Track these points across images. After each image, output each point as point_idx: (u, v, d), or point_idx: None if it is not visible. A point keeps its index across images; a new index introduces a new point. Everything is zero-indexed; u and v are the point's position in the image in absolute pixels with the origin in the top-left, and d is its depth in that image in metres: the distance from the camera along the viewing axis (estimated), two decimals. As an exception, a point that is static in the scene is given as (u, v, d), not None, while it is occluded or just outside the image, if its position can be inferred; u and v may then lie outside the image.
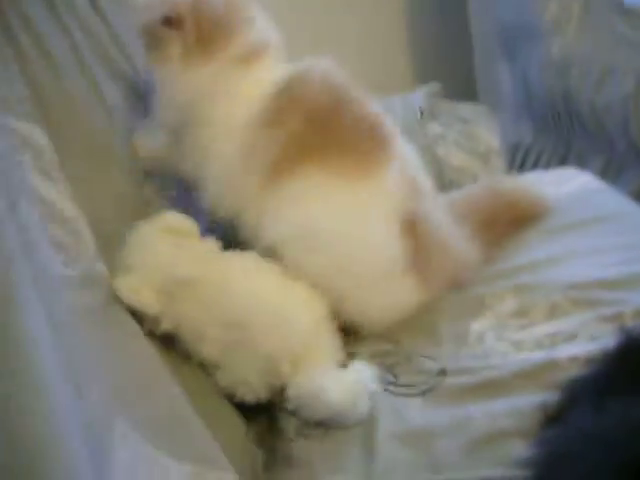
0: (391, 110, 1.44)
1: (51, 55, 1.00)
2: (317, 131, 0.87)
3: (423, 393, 0.81)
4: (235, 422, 0.84)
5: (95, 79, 1.08)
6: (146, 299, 0.81)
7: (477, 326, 0.90)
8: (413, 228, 0.88)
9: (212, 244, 0.89)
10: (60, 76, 1.00)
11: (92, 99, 1.06)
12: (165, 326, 0.83)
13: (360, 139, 0.87)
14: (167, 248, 0.85)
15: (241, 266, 0.88)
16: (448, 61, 2.10)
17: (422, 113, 1.45)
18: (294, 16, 1.96)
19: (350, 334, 0.91)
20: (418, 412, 0.78)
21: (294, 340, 0.83)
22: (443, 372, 0.82)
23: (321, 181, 0.85)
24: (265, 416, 0.87)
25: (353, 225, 0.87)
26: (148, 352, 0.76)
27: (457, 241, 0.95)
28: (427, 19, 2.16)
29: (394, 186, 0.87)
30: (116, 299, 0.79)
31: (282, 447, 0.79)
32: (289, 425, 0.81)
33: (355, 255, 0.87)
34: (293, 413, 0.81)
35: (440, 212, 0.95)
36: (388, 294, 0.89)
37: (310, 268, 0.86)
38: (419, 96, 1.51)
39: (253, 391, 0.83)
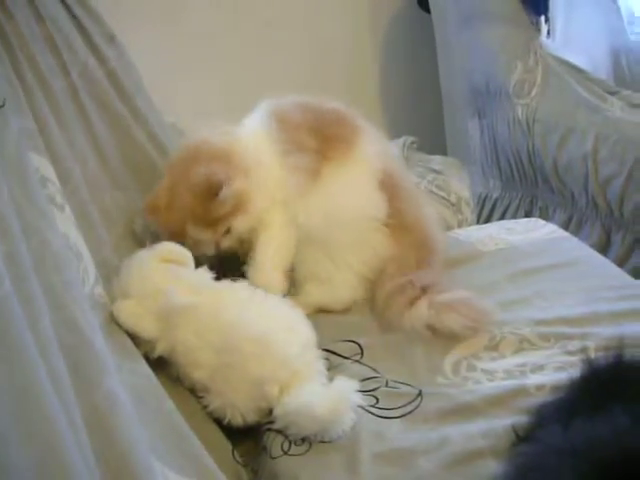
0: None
1: (52, 92, 1.06)
2: (317, 138, 1.06)
3: (403, 415, 0.85)
4: (221, 442, 0.88)
5: (90, 120, 1.14)
6: (144, 324, 0.85)
7: (451, 358, 0.96)
8: (386, 182, 1.09)
9: (205, 274, 0.94)
10: (60, 112, 1.06)
11: (87, 140, 1.12)
12: (160, 350, 0.87)
13: (339, 132, 1.09)
14: (164, 276, 0.89)
15: (232, 295, 0.93)
16: (419, 117, 2.21)
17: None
18: (275, 79, 2.07)
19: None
20: (399, 433, 0.83)
21: (281, 365, 0.87)
22: (420, 396, 0.88)
23: (329, 172, 1.05)
24: (249, 436, 0.91)
25: (351, 193, 1.07)
26: (146, 371, 0.80)
27: (426, 210, 1.17)
28: (398, 76, 2.27)
29: (369, 154, 1.09)
30: (114, 322, 0.84)
31: (267, 465, 0.83)
32: (273, 444, 0.85)
33: (354, 212, 1.07)
34: (280, 431, 0.85)
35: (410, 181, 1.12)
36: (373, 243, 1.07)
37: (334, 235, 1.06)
38: (394, 147, 1.59)
39: (241, 414, 0.87)
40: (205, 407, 0.89)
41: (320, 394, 0.84)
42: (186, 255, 0.94)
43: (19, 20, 1.05)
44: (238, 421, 0.87)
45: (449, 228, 1.45)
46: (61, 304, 0.67)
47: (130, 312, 0.85)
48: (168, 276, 0.90)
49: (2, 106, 0.75)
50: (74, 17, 1.17)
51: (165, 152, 1.21)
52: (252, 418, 0.88)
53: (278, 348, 0.88)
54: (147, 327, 0.85)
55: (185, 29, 1.92)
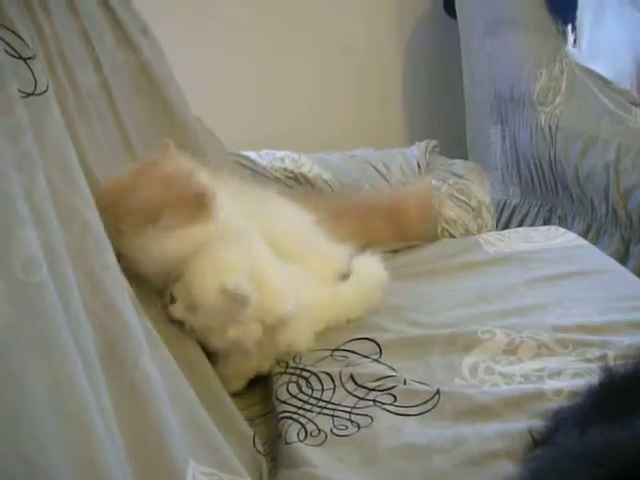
0: (392, 161, 1.54)
1: (79, 88, 1.07)
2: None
3: (420, 413, 0.86)
4: (243, 432, 0.89)
5: (119, 113, 1.15)
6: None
7: (469, 359, 0.97)
8: None
9: None
10: (85, 108, 1.07)
11: (117, 133, 1.14)
12: None
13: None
14: None
15: None
16: (440, 121, 2.22)
17: (419, 166, 1.54)
18: (297, 80, 2.09)
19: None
20: (415, 430, 0.84)
21: None
22: (438, 395, 0.88)
23: None
24: (269, 426, 0.92)
25: None
26: (167, 355, 0.81)
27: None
28: (421, 80, 2.28)
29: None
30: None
31: (283, 451, 0.84)
32: (289, 430, 0.86)
33: None
34: (296, 420, 0.87)
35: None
36: None
37: None
38: (416, 151, 1.60)
39: None
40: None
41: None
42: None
43: (55, 14, 1.06)
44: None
45: (469, 232, 1.45)
46: (100, 287, 0.68)
47: None
48: None
49: (45, 91, 0.77)
50: (108, 9, 1.19)
51: (194, 144, 1.23)
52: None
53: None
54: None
55: (207, 28, 1.95)
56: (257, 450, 0.88)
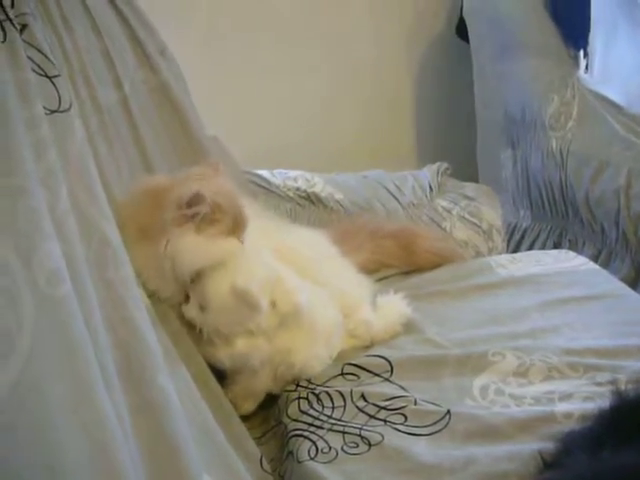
0: (404, 183, 1.55)
1: (101, 106, 1.09)
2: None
3: (430, 434, 0.87)
4: (251, 451, 0.90)
5: (139, 131, 1.17)
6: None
7: (480, 381, 0.97)
8: None
9: None
10: (106, 127, 1.09)
11: (136, 151, 1.16)
12: None
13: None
14: None
15: None
16: (451, 144, 2.23)
17: (431, 188, 1.56)
18: (307, 100, 2.11)
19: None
20: (426, 450, 0.84)
21: None
22: (449, 416, 0.89)
23: None
24: (274, 444, 0.93)
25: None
26: (185, 376, 0.82)
27: None
28: (433, 102, 2.30)
29: None
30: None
31: (294, 469, 0.85)
32: (300, 449, 0.87)
33: None
34: (306, 437, 0.88)
35: None
36: None
37: None
38: (428, 173, 1.62)
39: None
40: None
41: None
42: None
43: (78, 33, 1.09)
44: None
45: (479, 254, 1.46)
46: (118, 301, 0.70)
47: None
48: None
49: (69, 109, 0.79)
50: (129, 28, 1.21)
51: (205, 161, 1.24)
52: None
53: None
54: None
55: (220, 48, 1.97)
56: (264, 469, 0.89)
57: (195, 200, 0.90)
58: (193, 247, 0.91)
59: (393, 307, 1.13)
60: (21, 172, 0.62)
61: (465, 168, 2.07)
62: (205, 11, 1.94)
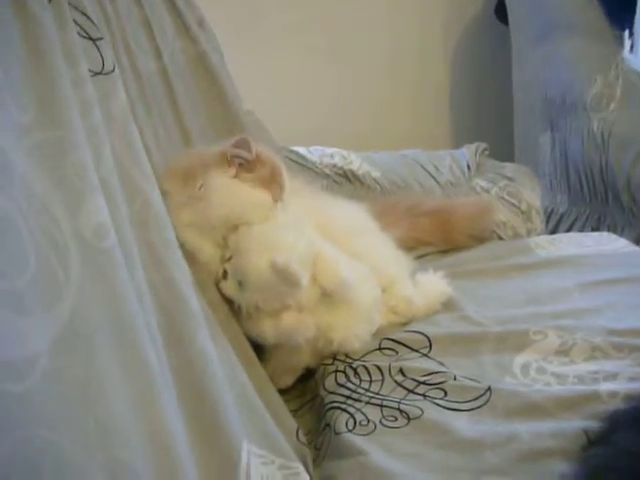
0: (441, 162, 1.53)
1: (141, 75, 1.08)
2: None
3: (471, 409, 0.85)
4: (288, 423, 0.89)
5: (177, 101, 1.17)
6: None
7: (520, 359, 0.95)
8: None
9: None
10: (145, 95, 1.09)
11: (174, 121, 1.15)
12: None
13: None
14: None
15: None
16: (487, 126, 2.20)
17: (469, 168, 1.53)
18: (344, 81, 2.10)
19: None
20: (466, 425, 0.83)
21: None
22: (489, 392, 0.87)
23: None
24: (309, 417, 0.93)
25: None
26: (223, 341, 0.82)
27: None
28: (470, 83, 2.27)
29: None
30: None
31: (332, 441, 0.84)
32: (338, 421, 0.86)
33: None
34: (344, 409, 0.86)
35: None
36: None
37: None
38: (466, 153, 1.59)
39: None
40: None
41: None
42: None
43: (120, 2, 1.08)
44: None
45: (518, 236, 1.44)
46: (161, 263, 0.69)
47: None
48: None
49: (112, 71, 0.78)
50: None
51: (241, 133, 1.23)
52: None
53: None
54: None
55: (259, 30, 1.96)
56: (300, 441, 0.88)
57: (240, 144, 0.93)
58: (226, 188, 0.92)
59: (433, 285, 1.11)
60: (69, 126, 0.62)
61: (502, 151, 2.04)
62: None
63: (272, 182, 0.95)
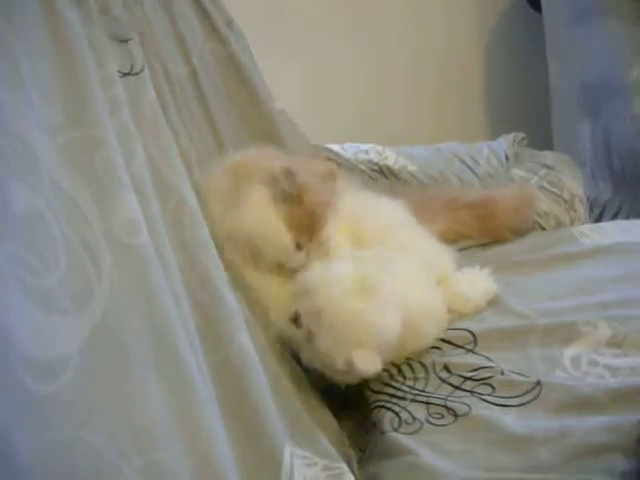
0: (478, 154, 1.50)
1: (171, 77, 1.08)
2: None
3: (520, 405, 0.82)
4: (331, 424, 0.87)
5: (208, 102, 1.17)
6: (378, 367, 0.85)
7: (570, 351, 0.92)
8: None
9: None
10: (177, 97, 1.08)
11: (206, 122, 1.15)
12: None
13: None
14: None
15: None
16: (524, 116, 2.15)
17: (507, 158, 1.49)
18: (382, 79, 2.07)
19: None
20: (516, 421, 0.80)
21: None
22: (539, 386, 0.84)
23: None
24: (355, 417, 0.90)
25: None
26: (261, 342, 0.80)
27: None
28: (505, 73, 2.23)
29: None
30: None
31: (377, 441, 0.82)
32: (383, 420, 0.84)
33: None
34: (389, 408, 0.84)
35: None
36: None
37: None
38: (504, 143, 1.55)
39: None
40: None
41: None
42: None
43: (147, 6, 1.08)
44: None
45: (561, 225, 1.39)
46: (196, 260, 0.68)
47: (371, 363, 0.84)
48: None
49: (142, 71, 0.78)
50: (196, 1, 1.20)
51: (278, 135, 1.22)
52: None
53: None
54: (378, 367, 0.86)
55: (292, 27, 1.95)
56: (344, 443, 0.86)
57: (287, 173, 0.88)
58: (255, 209, 0.87)
59: (480, 283, 1.07)
60: (98, 124, 0.61)
61: (539, 142, 1.99)
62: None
63: (306, 226, 0.89)
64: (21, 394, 0.43)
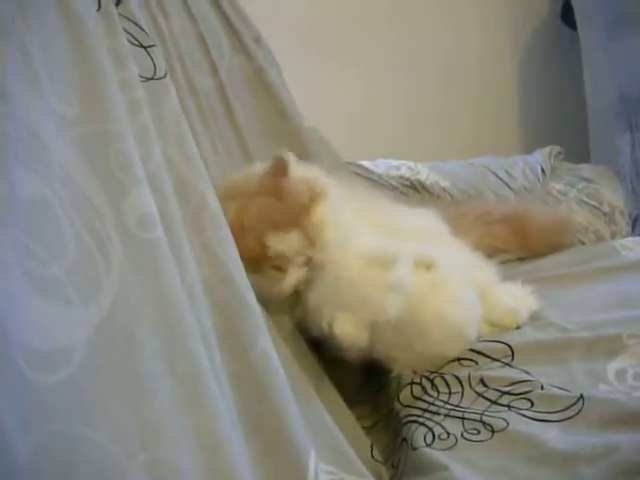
0: (513, 168, 1.46)
1: (197, 90, 1.08)
2: None
3: (562, 420, 0.77)
4: (361, 440, 0.83)
5: (235, 116, 1.16)
6: (359, 337, 0.82)
7: (615, 365, 0.87)
8: None
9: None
10: (203, 110, 1.08)
11: (233, 135, 1.14)
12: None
13: None
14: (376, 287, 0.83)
15: None
16: (559, 134, 2.11)
17: (544, 172, 1.45)
18: (411, 92, 2.06)
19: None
20: (558, 437, 0.75)
21: None
22: (582, 400, 0.79)
23: None
24: (384, 433, 0.86)
25: None
26: (285, 352, 0.77)
27: None
28: (540, 88, 2.20)
29: None
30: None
31: (409, 457, 0.78)
32: (415, 435, 0.80)
33: None
34: (422, 423, 0.80)
35: None
36: None
37: None
38: (539, 157, 1.51)
39: None
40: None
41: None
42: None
43: (173, 19, 1.08)
44: None
45: (601, 239, 1.35)
46: (217, 260, 0.66)
47: (348, 330, 0.81)
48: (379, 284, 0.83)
49: (164, 76, 0.77)
50: (224, 16, 1.20)
51: (308, 150, 1.21)
52: None
53: None
54: (361, 339, 0.83)
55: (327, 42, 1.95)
56: (375, 459, 0.82)
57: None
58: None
59: (522, 296, 1.02)
60: (115, 121, 0.60)
61: (575, 157, 1.95)
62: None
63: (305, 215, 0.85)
64: (19, 383, 0.41)
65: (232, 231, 0.72)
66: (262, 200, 0.86)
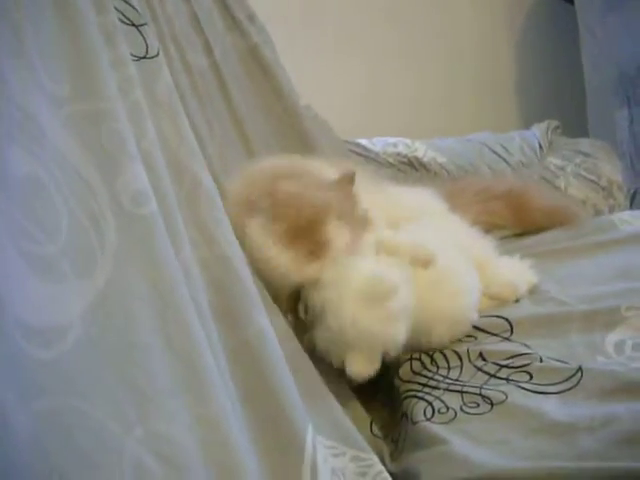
0: (510, 143, 1.45)
1: (191, 69, 1.07)
2: None
3: (561, 392, 0.78)
4: (362, 416, 0.84)
5: (231, 95, 1.15)
6: (372, 368, 0.82)
7: (613, 337, 0.87)
8: None
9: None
10: (198, 89, 1.07)
11: (228, 114, 1.13)
12: None
13: None
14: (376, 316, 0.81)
15: None
16: (557, 106, 2.10)
17: (541, 147, 1.45)
18: (410, 72, 2.05)
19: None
20: (557, 408, 0.75)
21: None
22: (581, 372, 0.79)
23: None
24: (384, 409, 0.87)
25: None
26: (284, 326, 0.77)
27: None
28: (537, 64, 2.19)
29: None
30: None
31: (409, 431, 0.78)
32: (415, 409, 0.80)
33: None
34: (422, 398, 0.80)
35: None
36: None
37: None
38: (537, 132, 1.51)
39: None
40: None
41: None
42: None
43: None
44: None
45: (599, 213, 1.34)
46: (213, 239, 0.66)
47: (362, 369, 0.81)
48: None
49: (157, 55, 0.76)
50: None
51: (305, 129, 1.20)
52: None
53: None
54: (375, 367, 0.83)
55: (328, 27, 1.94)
56: (374, 434, 0.83)
57: (264, 195, 0.83)
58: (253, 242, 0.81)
59: (521, 270, 1.02)
60: (106, 97, 0.59)
61: (574, 133, 1.94)
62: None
63: (305, 234, 0.82)
64: (17, 357, 0.41)
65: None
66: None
